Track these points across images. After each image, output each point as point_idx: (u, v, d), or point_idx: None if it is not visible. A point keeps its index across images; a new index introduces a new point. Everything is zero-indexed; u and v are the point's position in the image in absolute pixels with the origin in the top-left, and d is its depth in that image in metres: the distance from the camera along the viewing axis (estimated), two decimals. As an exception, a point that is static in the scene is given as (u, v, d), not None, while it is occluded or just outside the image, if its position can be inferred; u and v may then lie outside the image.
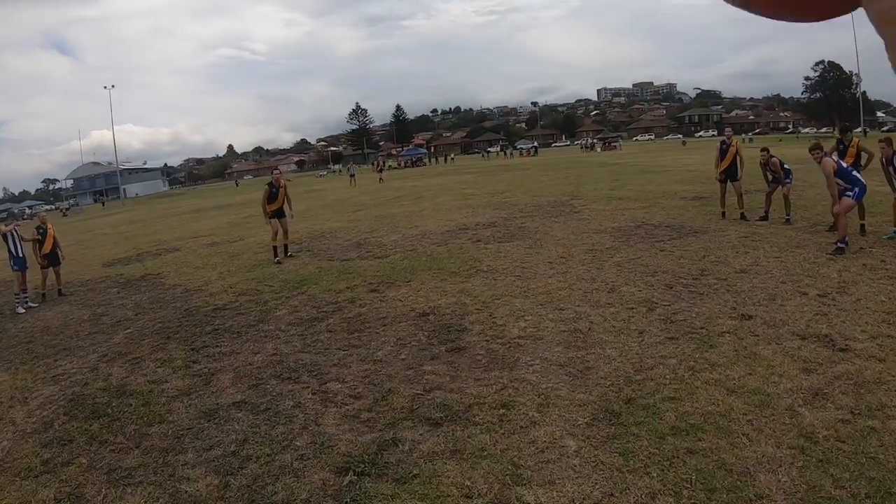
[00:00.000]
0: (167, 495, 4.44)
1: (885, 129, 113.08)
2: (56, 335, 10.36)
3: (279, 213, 13.92)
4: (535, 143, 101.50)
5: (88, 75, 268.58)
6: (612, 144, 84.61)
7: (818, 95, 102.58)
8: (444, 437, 4.70)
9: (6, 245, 13.36)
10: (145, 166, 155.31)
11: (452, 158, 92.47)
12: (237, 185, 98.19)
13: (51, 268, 14.00)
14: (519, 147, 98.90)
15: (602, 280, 8.65)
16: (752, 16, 0.45)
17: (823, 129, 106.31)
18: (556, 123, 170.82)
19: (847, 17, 0.45)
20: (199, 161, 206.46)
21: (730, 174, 13.65)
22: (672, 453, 4.08)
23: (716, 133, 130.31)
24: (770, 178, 13.08)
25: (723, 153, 13.76)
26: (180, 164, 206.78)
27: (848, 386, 4.79)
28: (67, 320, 11.39)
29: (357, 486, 4.16)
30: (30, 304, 13.43)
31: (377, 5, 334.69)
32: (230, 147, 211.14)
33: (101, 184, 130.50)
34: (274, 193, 13.85)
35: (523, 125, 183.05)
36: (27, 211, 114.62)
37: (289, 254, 14.10)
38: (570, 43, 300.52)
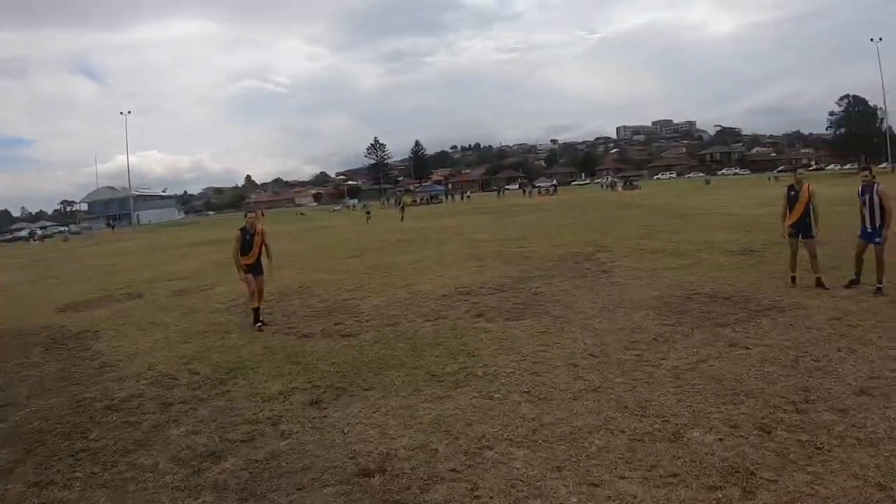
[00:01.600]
0: None
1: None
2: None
3: (255, 269, 10.77)
4: (555, 182, 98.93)
5: (115, 100, 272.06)
6: (634, 184, 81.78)
7: (843, 130, 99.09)
8: None
9: None
10: (160, 193, 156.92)
11: (469, 196, 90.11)
12: (262, 214, 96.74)
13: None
14: (538, 185, 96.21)
15: (656, 411, 5.53)
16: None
17: (847, 166, 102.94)
18: (576, 161, 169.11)
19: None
20: (218, 190, 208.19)
21: (801, 229, 10.55)
22: None
23: (737, 171, 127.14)
24: (868, 218, 9.94)
25: (791, 201, 10.63)
26: (200, 192, 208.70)
27: None
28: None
29: None
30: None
31: (399, 41, 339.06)
32: (248, 177, 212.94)
33: (115, 208, 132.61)
34: (248, 242, 10.65)
35: (542, 163, 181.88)
36: (38, 232, 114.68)
37: (259, 322, 10.70)
38: (590, 80, 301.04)
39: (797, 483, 4.13)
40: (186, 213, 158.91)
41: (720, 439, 4.88)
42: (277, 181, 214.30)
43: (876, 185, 9.94)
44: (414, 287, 13.14)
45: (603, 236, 20.06)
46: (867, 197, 9.93)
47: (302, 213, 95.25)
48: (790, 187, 10.70)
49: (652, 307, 9.56)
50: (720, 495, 4.06)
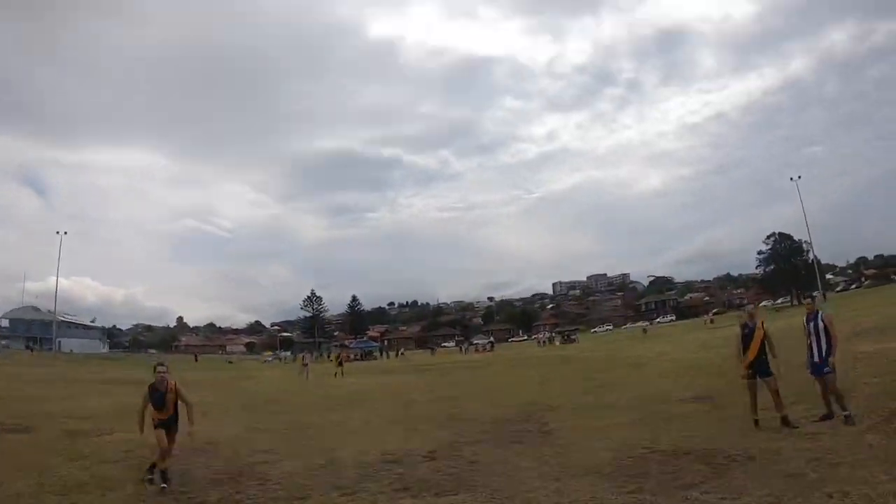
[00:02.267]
0: None
1: (838, 289, 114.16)
2: None
3: (169, 421, 9.10)
4: (492, 339, 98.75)
5: (57, 219, 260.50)
6: (572, 338, 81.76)
7: (772, 267, 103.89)
8: None
9: None
10: (87, 322, 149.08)
11: (403, 353, 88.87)
12: (196, 359, 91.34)
13: None
14: (475, 342, 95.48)
15: None
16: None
17: (780, 301, 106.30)
18: (513, 318, 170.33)
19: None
20: (149, 328, 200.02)
21: (759, 368, 9.69)
22: None
23: (675, 318, 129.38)
24: (815, 346, 9.53)
25: (746, 340, 9.84)
26: (129, 328, 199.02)
27: None
28: None
29: None
30: None
31: (343, 197, 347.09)
32: (180, 318, 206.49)
33: (38, 331, 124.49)
34: (158, 399, 9.00)
35: (480, 320, 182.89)
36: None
37: (164, 483, 8.71)
38: (527, 237, 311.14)
39: None
40: (112, 347, 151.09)
41: None
42: (210, 326, 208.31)
43: (820, 312, 9.67)
44: (334, 452, 11.38)
45: (543, 394, 18.74)
46: (812, 325, 9.60)
47: (230, 362, 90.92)
48: (744, 325, 10.05)
49: (605, 472, 8.13)
50: None
